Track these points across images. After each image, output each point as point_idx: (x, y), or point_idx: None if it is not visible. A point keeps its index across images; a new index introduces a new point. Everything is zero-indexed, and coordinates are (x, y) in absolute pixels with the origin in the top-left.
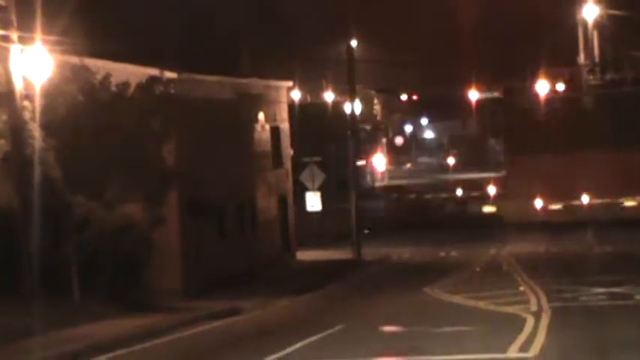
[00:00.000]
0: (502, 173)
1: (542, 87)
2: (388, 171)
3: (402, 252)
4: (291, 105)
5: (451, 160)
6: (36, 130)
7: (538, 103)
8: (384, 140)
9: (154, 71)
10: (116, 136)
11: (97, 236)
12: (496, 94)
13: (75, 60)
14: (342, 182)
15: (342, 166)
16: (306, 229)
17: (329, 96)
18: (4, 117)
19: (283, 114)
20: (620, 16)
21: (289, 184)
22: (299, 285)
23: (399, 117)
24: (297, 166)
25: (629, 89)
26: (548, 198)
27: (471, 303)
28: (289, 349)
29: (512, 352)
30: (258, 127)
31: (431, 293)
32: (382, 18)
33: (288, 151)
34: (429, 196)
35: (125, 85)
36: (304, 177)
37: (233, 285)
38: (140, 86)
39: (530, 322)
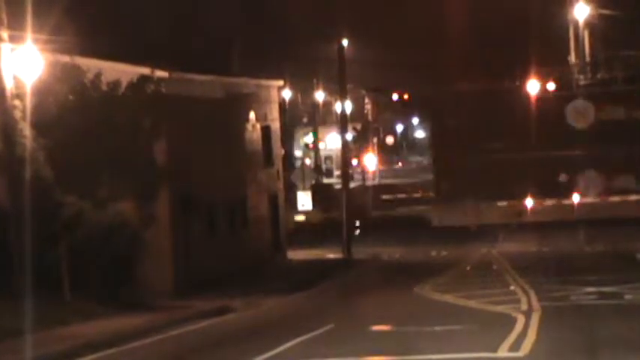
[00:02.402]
0: None
1: (532, 87)
2: (379, 170)
3: (393, 251)
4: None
5: None
6: (27, 130)
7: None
8: (375, 140)
9: (145, 70)
10: (107, 135)
11: (87, 235)
12: None
13: (66, 59)
14: None
15: None
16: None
17: (320, 95)
18: None
19: (274, 113)
20: (611, 15)
21: (280, 184)
22: (289, 284)
23: (389, 116)
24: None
25: (619, 88)
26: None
27: (462, 302)
28: (279, 349)
29: (503, 351)
30: (248, 126)
31: (421, 292)
32: (373, 17)
33: (278, 150)
34: (418, 195)
35: (116, 84)
36: (295, 176)
37: (223, 284)
38: (131, 85)
39: (520, 321)
